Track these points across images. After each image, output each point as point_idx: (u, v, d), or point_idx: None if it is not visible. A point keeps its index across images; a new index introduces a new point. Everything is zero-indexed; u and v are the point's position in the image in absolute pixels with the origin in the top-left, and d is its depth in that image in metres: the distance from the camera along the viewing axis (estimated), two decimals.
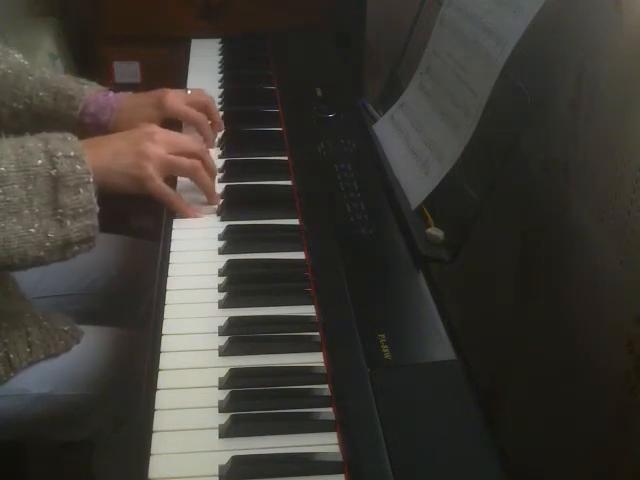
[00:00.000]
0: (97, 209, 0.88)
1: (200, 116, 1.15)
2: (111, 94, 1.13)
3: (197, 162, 0.99)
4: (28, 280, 1.10)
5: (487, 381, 1.12)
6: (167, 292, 0.88)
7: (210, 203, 1.03)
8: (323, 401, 0.75)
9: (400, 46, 1.28)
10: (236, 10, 1.94)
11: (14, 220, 0.83)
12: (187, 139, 1.02)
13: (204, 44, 1.57)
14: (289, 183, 1.09)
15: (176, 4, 1.94)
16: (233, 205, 1.03)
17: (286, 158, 1.15)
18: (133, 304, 1.22)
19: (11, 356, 0.96)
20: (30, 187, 0.84)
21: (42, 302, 1.16)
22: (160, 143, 0.96)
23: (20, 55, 1.12)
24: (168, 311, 0.86)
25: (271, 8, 1.91)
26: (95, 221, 0.88)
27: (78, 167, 0.86)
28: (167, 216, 1.02)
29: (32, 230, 0.84)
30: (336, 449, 0.70)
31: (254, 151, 1.17)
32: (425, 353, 0.81)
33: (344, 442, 0.70)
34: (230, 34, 1.64)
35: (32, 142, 0.87)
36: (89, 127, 1.09)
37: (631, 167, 0.81)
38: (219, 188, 1.07)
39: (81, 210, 0.86)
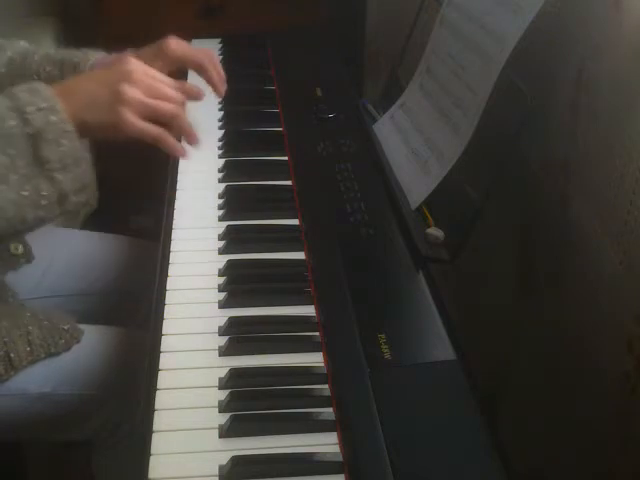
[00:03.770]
0: (87, 155, 0.83)
1: (206, 59, 1.03)
2: (115, 55, 1.07)
3: (179, 107, 0.90)
4: (28, 281, 1.10)
5: (487, 381, 1.12)
6: (167, 292, 0.89)
7: (191, 144, 0.92)
8: (323, 401, 0.75)
9: (400, 46, 1.28)
10: (236, 10, 1.95)
11: (4, 187, 0.79)
12: (168, 81, 0.91)
13: (204, 44, 1.57)
14: (289, 183, 1.09)
15: (176, 4, 1.94)
16: (233, 205, 1.03)
17: (286, 158, 1.15)
18: (133, 304, 1.22)
19: (11, 355, 0.96)
20: (10, 151, 0.79)
21: (42, 302, 1.16)
22: (138, 84, 0.87)
23: (25, 41, 1.11)
24: (168, 311, 0.86)
25: (271, 8, 1.91)
26: (87, 167, 0.83)
27: (53, 118, 0.80)
28: (167, 216, 1.02)
29: (25, 193, 0.80)
30: (336, 449, 0.70)
31: (254, 151, 1.17)
32: (425, 353, 0.81)
33: (344, 442, 0.70)
34: (230, 34, 1.64)
35: None
36: None
37: (631, 167, 0.81)
38: (219, 188, 1.07)
39: (69, 160, 0.81)
